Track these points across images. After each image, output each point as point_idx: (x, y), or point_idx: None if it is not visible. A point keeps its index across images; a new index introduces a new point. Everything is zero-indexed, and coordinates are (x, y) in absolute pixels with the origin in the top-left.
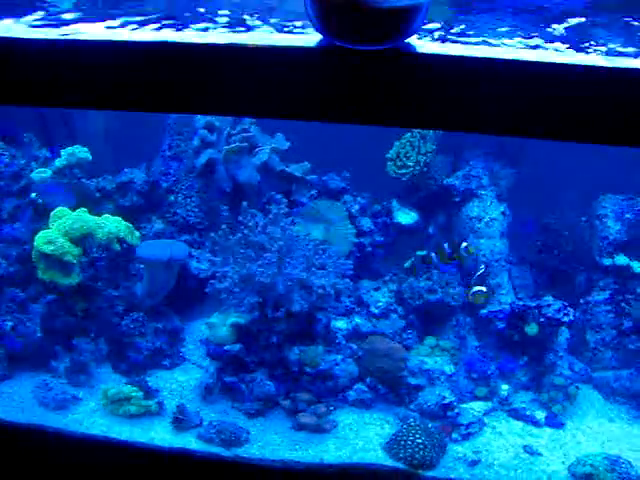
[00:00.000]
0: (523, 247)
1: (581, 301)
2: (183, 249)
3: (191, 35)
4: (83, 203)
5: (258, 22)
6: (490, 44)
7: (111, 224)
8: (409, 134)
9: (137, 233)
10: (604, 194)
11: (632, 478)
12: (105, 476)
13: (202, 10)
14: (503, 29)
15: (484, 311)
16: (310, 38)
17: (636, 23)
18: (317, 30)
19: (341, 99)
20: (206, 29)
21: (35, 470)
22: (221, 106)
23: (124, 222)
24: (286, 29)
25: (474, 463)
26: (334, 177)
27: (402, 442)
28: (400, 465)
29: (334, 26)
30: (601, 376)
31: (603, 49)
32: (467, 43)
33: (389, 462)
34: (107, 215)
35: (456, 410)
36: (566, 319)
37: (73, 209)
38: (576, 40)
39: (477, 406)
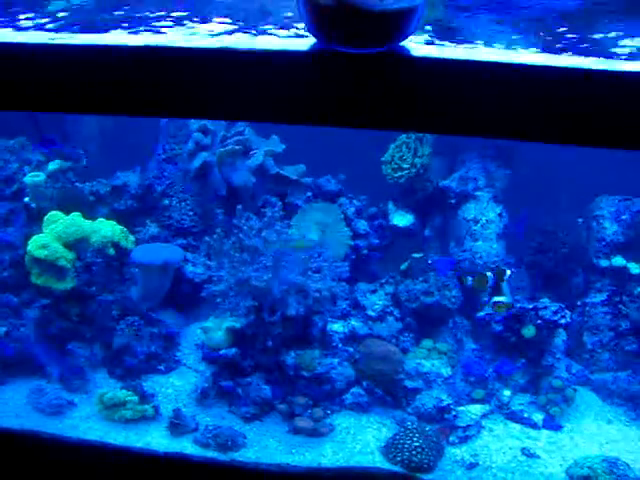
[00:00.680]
0: (520, 249)
1: (578, 303)
2: (178, 253)
3: (179, 39)
4: (77, 207)
5: (255, 25)
6: (485, 46)
7: (105, 228)
8: (404, 136)
9: (132, 237)
10: (600, 195)
11: None
12: None
13: (185, 14)
14: (499, 31)
15: (481, 313)
16: (304, 42)
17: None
18: (311, 33)
19: (335, 103)
20: (196, 33)
21: (30, 476)
22: (212, 111)
23: (118, 226)
24: (282, 33)
25: (472, 466)
26: (330, 180)
27: (399, 445)
28: (397, 468)
29: (327, 30)
30: (599, 378)
31: (596, 51)
32: (463, 44)
33: (386, 465)
34: (101, 219)
35: (453, 413)
36: (563, 321)
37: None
38: (571, 43)
39: (474, 409)
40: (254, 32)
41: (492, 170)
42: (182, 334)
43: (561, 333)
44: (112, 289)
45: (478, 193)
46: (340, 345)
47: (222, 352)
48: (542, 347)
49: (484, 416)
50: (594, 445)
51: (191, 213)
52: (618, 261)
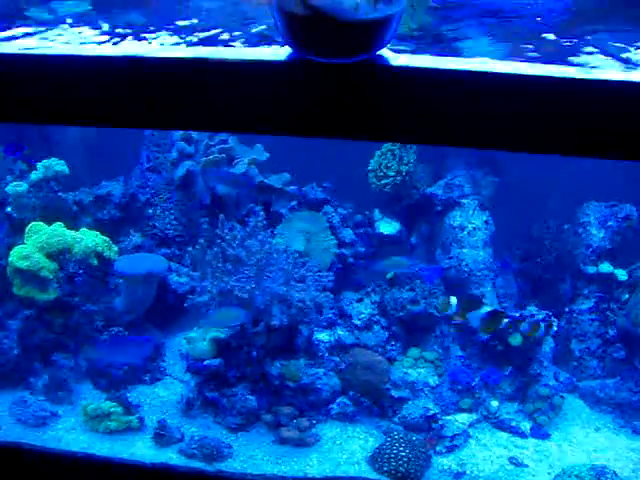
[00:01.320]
0: (507, 256)
1: (566, 310)
2: (162, 263)
3: (156, 49)
4: (60, 217)
5: (234, 35)
6: (467, 55)
7: (88, 238)
8: (390, 143)
9: (115, 247)
10: (587, 201)
11: None
12: None
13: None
14: (481, 38)
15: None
16: (280, 51)
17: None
18: (286, 43)
19: (311, 113)
20: (178, 43)
21: None
22: (185, 123)
23: (101, 236)
24: (263, 42)
25: (459, 475)
26: (315, 188)
27: (386, 455)
28: (384, 478)
29: (303, 39)
30: (586, 385)
31: (585, 61)
32: (442, 54)
33: (373, 475)
34: (84, 229)
35: (440, 422)
36: (550, 330)
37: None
38: (559, 51)
39: (462, 418)
40: (231, 41)
41: (479, 177)
42: (167, 344)
43: (548, 341)
44: (96, 299)
45: (464, 200)
46: (326, 355)
47: (206, 362)
48: (529, 355)
49: (471, 425)
50: (582, 453)
51: (175, 222)
52: (605, 267)
